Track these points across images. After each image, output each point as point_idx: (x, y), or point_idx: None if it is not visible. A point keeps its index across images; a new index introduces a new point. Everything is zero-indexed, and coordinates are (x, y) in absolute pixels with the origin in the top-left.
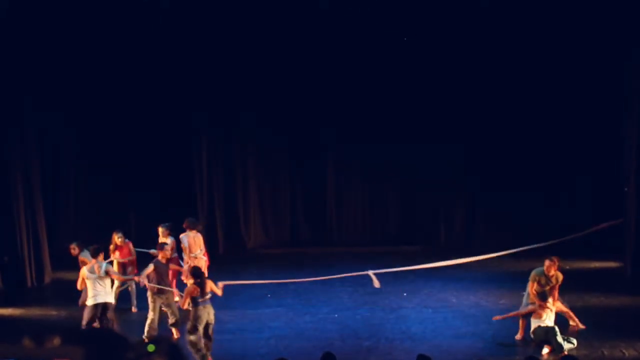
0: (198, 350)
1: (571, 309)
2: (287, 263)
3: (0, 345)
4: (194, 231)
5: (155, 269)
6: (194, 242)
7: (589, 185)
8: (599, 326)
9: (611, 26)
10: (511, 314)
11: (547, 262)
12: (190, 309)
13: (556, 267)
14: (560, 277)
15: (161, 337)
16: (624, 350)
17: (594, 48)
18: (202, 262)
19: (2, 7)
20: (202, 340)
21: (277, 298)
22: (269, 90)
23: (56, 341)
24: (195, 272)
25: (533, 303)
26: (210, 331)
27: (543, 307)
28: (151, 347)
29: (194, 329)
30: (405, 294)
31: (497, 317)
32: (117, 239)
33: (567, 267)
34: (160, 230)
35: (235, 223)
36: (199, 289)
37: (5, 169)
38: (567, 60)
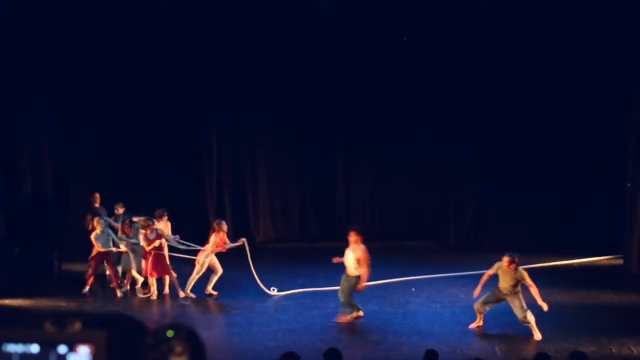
0: None
1: (580, 305)
2: (296, 258)
3: (22, 330)
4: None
5: None
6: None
7: (603, 185)
8: (607, 323)
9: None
10: None
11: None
12: None
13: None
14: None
15: (180, 323)
16: (632, 348)
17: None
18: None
19: (5, 7)
20: None
21: (285, 291)
22: (279, 88)
23: (77, 326)
24: None
25: None
26: None
27: None
28: (170, 333)
29: None
30: (413, 289)
31: None
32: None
33: (576, 265)
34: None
35: (245, 218)
36: None
37: (15, 162)
38: (578, 64)
